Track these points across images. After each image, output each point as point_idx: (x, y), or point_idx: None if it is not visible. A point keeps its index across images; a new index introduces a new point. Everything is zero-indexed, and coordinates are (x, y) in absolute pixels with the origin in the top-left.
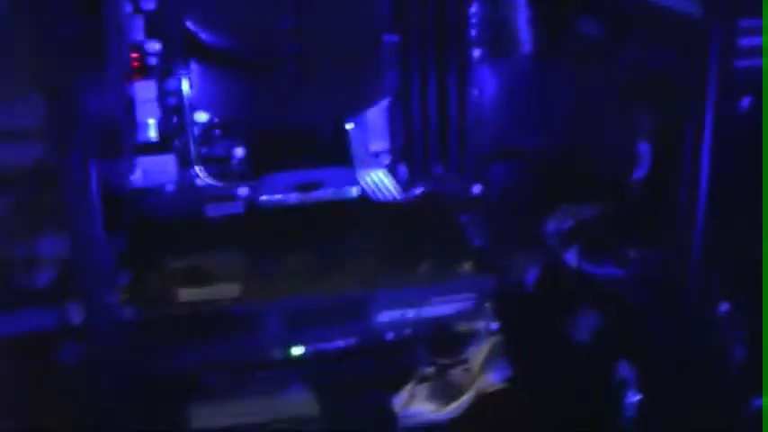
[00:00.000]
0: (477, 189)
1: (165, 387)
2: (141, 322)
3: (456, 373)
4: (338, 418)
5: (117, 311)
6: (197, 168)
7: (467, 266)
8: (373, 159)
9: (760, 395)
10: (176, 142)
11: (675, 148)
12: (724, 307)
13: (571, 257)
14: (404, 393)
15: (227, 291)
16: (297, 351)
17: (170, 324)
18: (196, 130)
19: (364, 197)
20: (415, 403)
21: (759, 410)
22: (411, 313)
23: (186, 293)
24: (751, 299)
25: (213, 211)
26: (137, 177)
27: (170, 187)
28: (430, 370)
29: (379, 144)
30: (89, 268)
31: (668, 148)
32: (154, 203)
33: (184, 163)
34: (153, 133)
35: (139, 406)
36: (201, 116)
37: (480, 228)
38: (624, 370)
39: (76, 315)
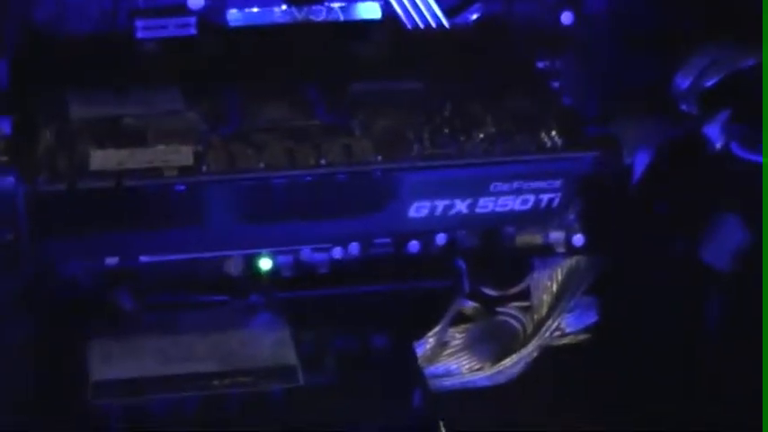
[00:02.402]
0: (567, 16)
1: (61, 306)
2: (29, 200)
3: (510, 314)
4: (327, 371)
5: None
6: None
7: (546, 137)
8: None
9: None
10: None
11: None
12: None
13: (714, 133)
14: (429, 340)
15: (168, 157)
16: (269, 263)
17: (75, 205)
18: None
19: (390, 20)
20: (445, 357)
21: None
22: (453, 206)
23: (101, 158)
24: None
25: (148, 30)
26: None
27: None
28: (471, 305)
29: None
30: None
31: None
32: (51, 11)
33: None
34: None
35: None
36: None
37: (570, 77)
38: None
39: None
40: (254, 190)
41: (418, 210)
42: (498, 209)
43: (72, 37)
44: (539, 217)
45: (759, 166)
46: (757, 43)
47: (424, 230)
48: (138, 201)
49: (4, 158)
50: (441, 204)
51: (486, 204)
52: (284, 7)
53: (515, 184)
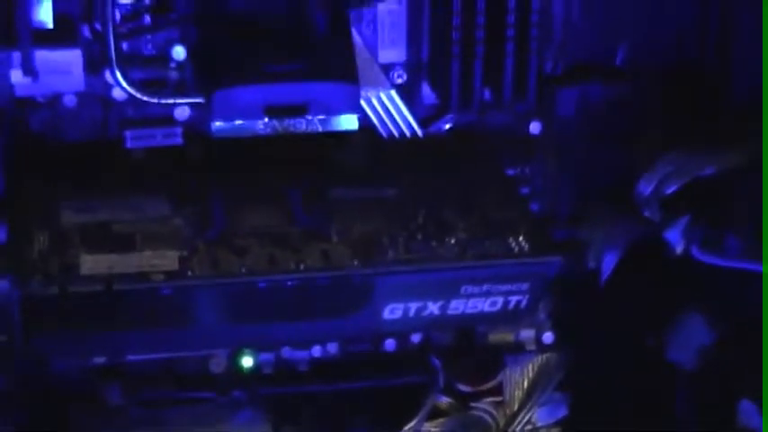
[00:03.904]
0: (536, 127)
1: (50, 401)
2: (21, 302)
3: (484, 408)
4: None
5: None
6: (114, 73)
7: (514, 242)
8: (383, 75)
9: None
10: (84, 30)
11: None
12: None
13: (675, 237)
14: None
15: (155, 262)
16: (251, 361)
17: (65, 307)
18: (117, 14)
19: (367, 130)
20: None
21: None
22: (426, 308)
23: (92, 263)
24: None
25: (137, 140)
26: (20, 81)
27: (71, 100)
28: (446, 400)
29: (393, 53)
30: None
31: None
32: (47, 123)
33: (95, 64)
34: (47, 15)
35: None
36: None
37: (538, 184)
38: (748, 414)
39: None
40: (237, 293)
41: (392, 311)
42: (469, 310)
43: (65, 146)
44: (507, 317)
45: (719, 268)
46: (715, 152)
47: (398, 331)
48: (126, 303)
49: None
50: (414, 306)
51: (457, 306)
52: (266, 120)
53: (485, 287)
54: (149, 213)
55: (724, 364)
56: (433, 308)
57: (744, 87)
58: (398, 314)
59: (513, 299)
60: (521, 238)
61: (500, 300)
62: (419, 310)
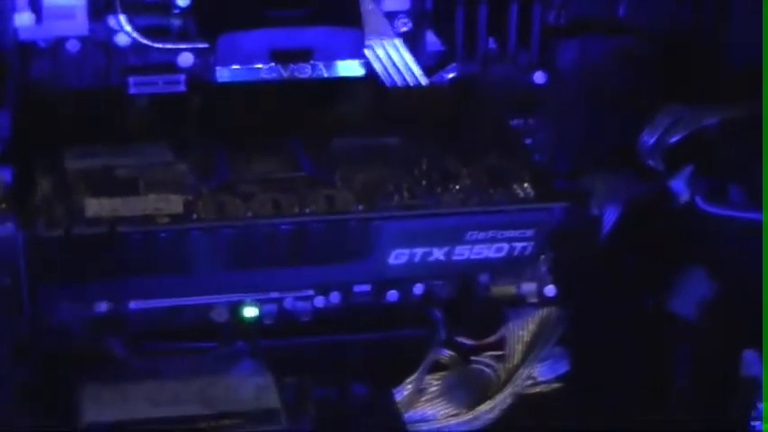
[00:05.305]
0: (540, 76)
1: (55, 351)
2: (26, 244)
3: (485, 362)
4: (309, 416)
5: None
6: (118, 18)
7: (519, 189)
8: (386, 23)
9: None
10: None
11: None
12: None
13: (679, 187)
14: (406, 386)
15: (160, 205)
16: (253, 311)
17: (69, 251)
18: None
19: (371, 79)
20: (422, 403)
21: None
22: (431, 254)
23: (96, 206)
24: None
25: (140, 86)
26: (25, 24)
27: (74, 45)
28: (447, 354)
29: (397, 0)
30: None
31: None
32: (50, 69)
33: (99, 9)
34: None
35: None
36: None
37: (542, 134)
38: (752, 364)
39: None
40: (242, 237)
41: (398, 257)
42: (474, 256)
43: (68, 92)
44: (512, 264)
45: (723, 218)
46: (717, 104)
47: (404, 277)
48: (130, 246)
49: (4, 206)
50: (419, 252)
51: (462, 252)
52: (271, 65)
53: (490, 233)
54: (153, 159)
55: (726, 315)
56: (439, 254)
57: (743, 47)
58: (404, 259)
59: (518, 245)
60: (525, 186)
61: (505, 246)
62: (424, 256)
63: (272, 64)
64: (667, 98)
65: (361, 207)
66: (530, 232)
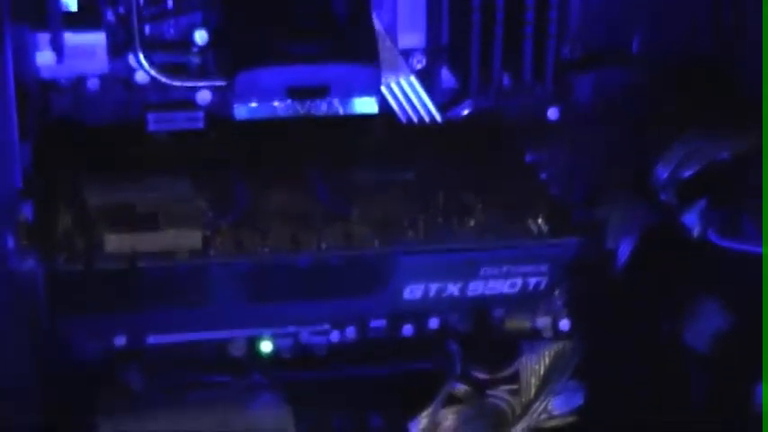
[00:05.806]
0: (554, 113)
1: (72, 379)
2: (47, 279)
3: (500, 396)
4: None
5: (13, 262)
6: (137, 56)
7: (533, 224)
8: (402, 60)
9: None
10: (108, 13)
11: None
12: None
13: (692, 220)
14: (422, 420)
15: (179, 240)
16: (269, 346)
17: (89, 285)
18: None
19: (386, 115)
20: None
21: None
22: (446, 290)
23: (116, 241)
24: None
25: (159, 123)
26: (46, 63)
27: (94, 83)
28: (462, 388)
29: (412, 38)
30: None
31: None
32: (71, 106)
33: (118, 47)
34: None
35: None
36: None
37: (556, 169)
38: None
39: None
40: (260, 272)
41: (412, 292)
42: (488, 292)
43: (88, 128)
44: (526, 299)
45: (736, 252)
46: (730, 137)
47: (418, 312)
48: (150, 281)
49: (25, 241)
50: (434, 287)
51: (476, 287)
52: (287, 101)
53: (504, 268)
54: (172, 194)
55: (739, 348)
56: (453, 289)
57: (758, 76)
58: (418, 294)
59: (533, 280)
60: (540, 221)
61: (519, 281)
62: (439, 291)
63: (289, 101)
64: (681, 129)
65: (377, 242)
66: (544, 267)
